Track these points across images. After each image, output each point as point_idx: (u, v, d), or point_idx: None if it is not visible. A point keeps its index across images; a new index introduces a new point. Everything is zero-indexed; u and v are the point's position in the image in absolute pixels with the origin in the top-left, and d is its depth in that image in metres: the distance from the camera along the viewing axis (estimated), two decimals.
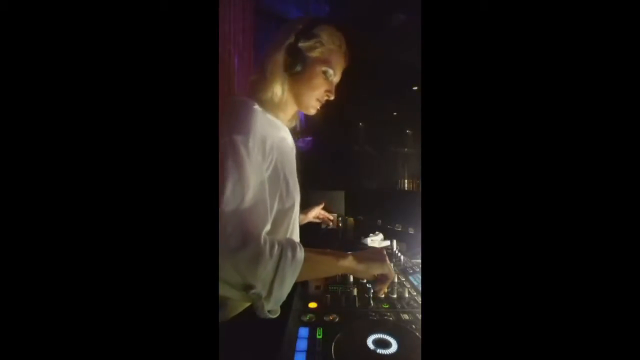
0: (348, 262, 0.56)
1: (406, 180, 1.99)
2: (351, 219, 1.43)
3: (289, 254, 0.48)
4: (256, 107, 0.59)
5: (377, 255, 0.60)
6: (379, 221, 1.37)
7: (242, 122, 0.55)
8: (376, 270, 0.58)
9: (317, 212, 1.12)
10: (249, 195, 0.50)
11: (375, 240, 1.13)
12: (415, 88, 1.72)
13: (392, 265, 0.60)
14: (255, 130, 0.55)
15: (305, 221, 1.08)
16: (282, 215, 0.62)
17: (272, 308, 0.49)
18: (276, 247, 0.47)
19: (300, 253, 0.49)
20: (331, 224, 1.18)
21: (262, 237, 0.47)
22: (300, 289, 0.64)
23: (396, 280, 0.66)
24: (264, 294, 0.46)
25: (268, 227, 0.52)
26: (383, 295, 0.62)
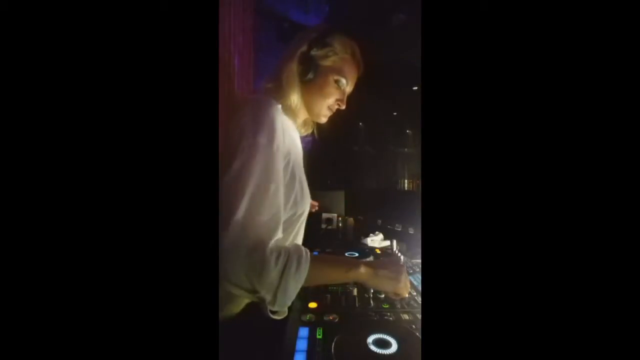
0: (359, 274, 0.55)
1: (406, 180, 1.98)
2: (351, 219, 1.42)
3: (294, 264, 0.47)
4: (279, 106, 0.59)
5: (392, 273, 0.56)
6: (379, 221, 1.37)
7: (267, 124, 0.53)
8: (388, 287, 0.56)
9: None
10: (267, 203, 0.49)
11: (375, 240, 1.13)
12: (415, 88, 1.72)
13: (407, 283, 0.57)
14: (280, 132, 0.54)
15: None
16: (295, 220, 0.62)
17: (277, 310, 0.49)
18: (282, 256, 0.47)
19: (306, 264, 0.48)
20: (315, 209, 1.22)
21: (269, 246, 0.47)
22: (300, 289, 0.64)
23: None
24: (268, 298, 0.47)
25: (279, 235, 0.51)
26: (383, 296, 0.62)
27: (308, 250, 0.51)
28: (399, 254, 0.90)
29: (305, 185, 0.64)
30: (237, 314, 0.59)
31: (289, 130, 0.64)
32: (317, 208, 1.24)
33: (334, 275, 0.56)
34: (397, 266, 0.58)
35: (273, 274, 0.45)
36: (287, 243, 0.62)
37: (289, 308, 0.54)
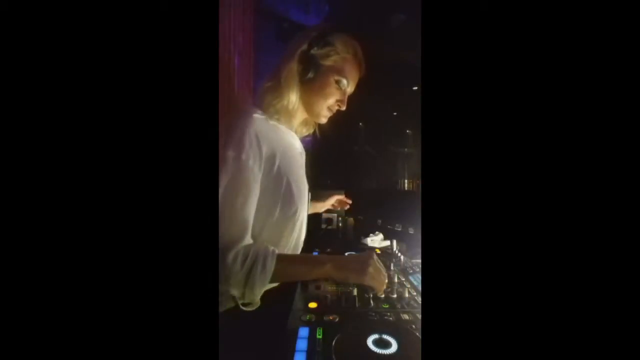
0: (326, 269, 0.55)
1: (406, 180, 1.98)
2: (351, 219, 1.42)
3: (259, 266, 0.50)
4: (256, 115, 0.59)
5: (358, 264, 0.55)
6: (379, 221, 1.37)
7: (237, 136, 0.55)
8: (355, 280, 0.55)
9: (333, 200, 1.13)
10: (234, 212, 0.52)
11: (375, 240, 1.13)
12: (415, 88, 1.72)
13: (378, 274, 0.56)
14: (252, 143, 0.55)
15: (323, 209, 1.11)
16: (288, 219, 0.62)
17: (247, 302, 0.53)
18: (249, 258, 0.50)
19: (271, 264, 0.51)
20: (347, 206, 1.20)
21: (236, 249, 0.50)
22: (300, 289, 0.64)
23: (396, 280, 0.66)
24: (237, 294, 0.52)
25: (248, 241, 0.53)
26: (383, 296, 0.62)
27: (275, 251, 0.53)
28: (399, 254, 0.90)
29: (295, 186, 0.63)
30: (237, 313, 0.59)
31: (280, 133, 0.64)
32: (348, 207, 1.22)
33: (300, 273, 0.57)
34: (363, 258, 0.56)
35: (240, 274, 0.49)
36: (289, 243, 0.64)
37: (288, 308, 0.54)
